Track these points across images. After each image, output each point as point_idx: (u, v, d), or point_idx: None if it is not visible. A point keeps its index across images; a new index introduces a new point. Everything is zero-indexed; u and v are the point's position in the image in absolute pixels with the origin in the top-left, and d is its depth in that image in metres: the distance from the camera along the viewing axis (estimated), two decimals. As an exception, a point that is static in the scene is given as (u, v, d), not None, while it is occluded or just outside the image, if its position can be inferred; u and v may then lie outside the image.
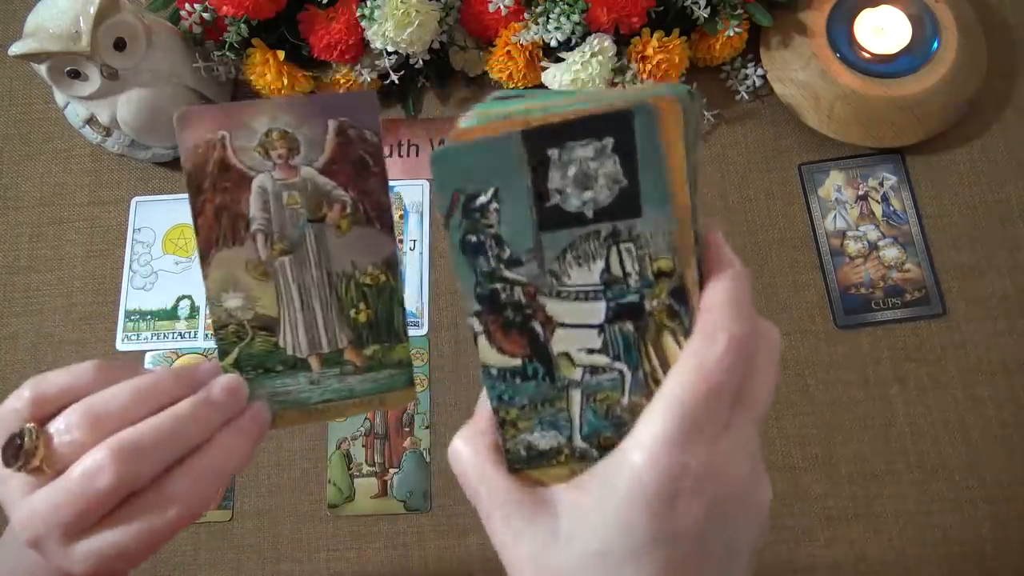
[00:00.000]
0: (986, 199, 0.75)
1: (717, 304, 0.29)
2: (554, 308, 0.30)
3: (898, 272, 0.73)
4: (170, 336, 0.73)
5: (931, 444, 0.68)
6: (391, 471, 0.69)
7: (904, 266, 0.73)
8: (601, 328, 0.30)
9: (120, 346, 0.73)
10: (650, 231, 0.29)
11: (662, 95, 0.27)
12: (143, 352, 0.73)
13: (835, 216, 0.75)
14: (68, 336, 0.74)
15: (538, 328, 0.30)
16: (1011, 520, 0.66)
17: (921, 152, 0.76)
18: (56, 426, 0.35)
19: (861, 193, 0.75)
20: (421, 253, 0.75)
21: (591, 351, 0.31)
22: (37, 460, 0.34)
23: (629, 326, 0.30)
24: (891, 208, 0.75)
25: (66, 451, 0.34)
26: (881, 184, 0.76)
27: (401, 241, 0.75)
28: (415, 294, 0.74)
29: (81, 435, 0.34)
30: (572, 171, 0.28)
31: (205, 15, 0.70)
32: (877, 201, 0.75)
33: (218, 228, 0.37)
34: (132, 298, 0.75)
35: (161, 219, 0.77)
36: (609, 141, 0.28)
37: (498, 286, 0.30)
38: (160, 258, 0.76)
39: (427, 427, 0.70)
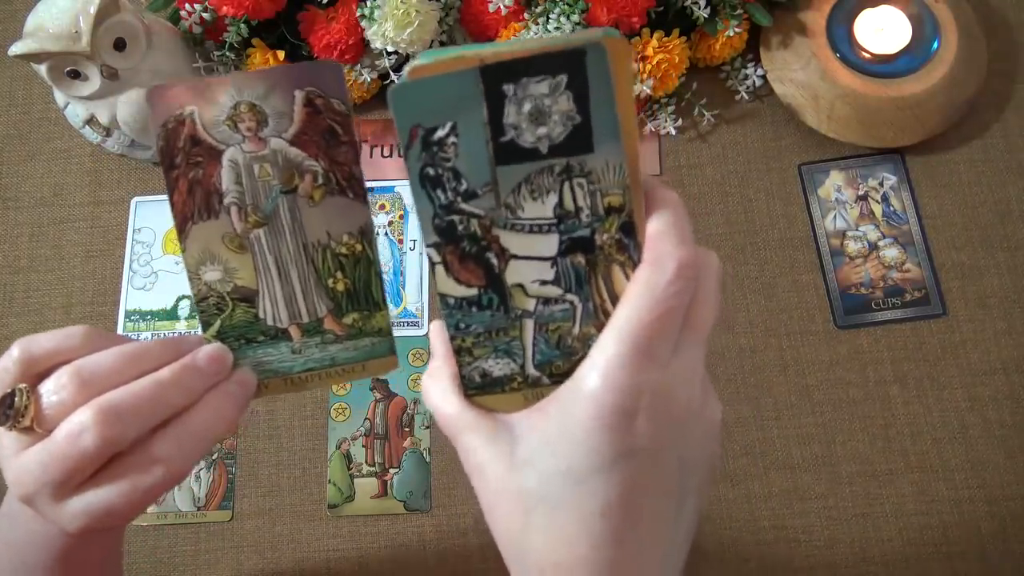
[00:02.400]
0: (986, 199, 0.75)
1: (662, 232, 0.30)
2: (509, 240, 0.31)
3: (898, 272, 0.73)
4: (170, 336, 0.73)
5: (931, 444, 0.68)
6: (391, 471, 0.69)
7: (904, 266, 0.73)
8: (554, 261, 0.32)
9: (120, 346, 0.73)
10: (601, 167, 0.30)
11: (610, 35, 0.29)
12: (143, 352, 0.73)
13: (835, 216, 0.75)
14: (68, 336, 0.74)
15: (493, 259, 0.32)
16: (1011, 520, 0.66)
17: (921, 152, 0.76)
18: (46, 387, 0.35)
19: (861, 193, 0.75)
20: (421, 253, 0.75)
21: (544, 283, 0.32)
22: (27, 420, 0.35)
23: (580, 259, 0.32)
24: (891, 208, 0.75)
25: (55, 411, 0.35)
26: (881, 184, 0.76)
27: (401, 241, 0.75)
28: (415, 294, 0.74)
29: (70, 396, 0.35)
30: (527, 107, 0.29)
31: (205, 15, 0.70)
32: (877, 201, 0.75)
33: (192, 202, 0.37)
34: (132, 298, 0.75)
35: (161, 219, 0.77)
36: (563, 78, 0.29)
37: (455, 218, 0.31)
38: (160, 258, 0.76)
39: (427, 427, 0.70)
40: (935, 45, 0.74)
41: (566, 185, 0.30)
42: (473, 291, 0.32)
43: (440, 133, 0.29)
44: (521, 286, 0.32)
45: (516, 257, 0.32)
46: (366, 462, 0.69)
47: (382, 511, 0.68)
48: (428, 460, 0.69)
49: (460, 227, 0.31)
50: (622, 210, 0.31)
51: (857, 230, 0.74)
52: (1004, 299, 0.72)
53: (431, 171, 0.30)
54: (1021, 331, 0.71)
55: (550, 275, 0.32)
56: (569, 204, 0.31)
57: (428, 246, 0.31)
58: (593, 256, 0.31)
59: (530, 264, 0.32)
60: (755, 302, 0.73)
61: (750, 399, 0.70)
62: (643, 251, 0.31)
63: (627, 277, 0.31)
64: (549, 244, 0.31)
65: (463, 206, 0.31)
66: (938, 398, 0.69)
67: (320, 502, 0.69)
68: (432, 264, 0.32)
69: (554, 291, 0.32)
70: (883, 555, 0.66)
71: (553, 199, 0.31)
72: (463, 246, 0.31)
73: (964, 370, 0.70)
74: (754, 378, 0.71)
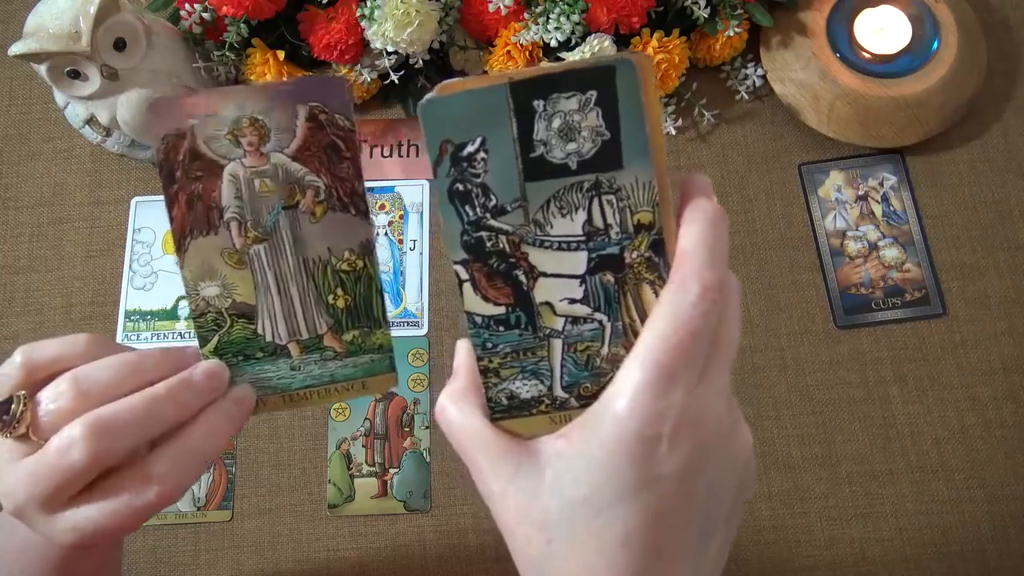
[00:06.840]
0: (986, 199, 0.75)
1: (690, 250, 0.30)
2: (537, 257, 0.31)
3: (898, 272, 0.73)
4: (170, 336, 0.73)
5: (931, 444, 0.68)
6: (391, 471, 0.69)
7: (904, 266, 0.73)
8: (583, 279, 0.31)
9: (120, 346, 0.73)
10: (631, 184, 0.30)
11: (637, 53, 0.29)
12: (143, 352, 0.73)
13: (835, 216, 0.75)
14: (68, 336, 0.74)
15: (521, 277, 0.31)
16: (1011, 520, 0.66)
17: (921, 152, 0.76)
18: (44, 394, 0.35)
19: (861, 193, 0.75)
20: (421, 253, 0.75)
21: (572, 301, 0.32)
22: (23, 427, 0.34)
23: (610, 277, 0.31)
24: (891, 208, 0.75)
25: (51, 420, 0.34)
26: (881, 184, 0.76)
27: (401, 241, 0.75)
28: (415, 294, 0.74)
29: (66, 405, 0.34)
30: (557, 123, 0.29)
31: (205, 15, 0.70)
32: (877, 201, 0.75)
33: (192, 217, 0.37)
34: (132, 298, 0.75)
35: (161, 219, 0.77)
36: (592, 94, 0.29)
37: (484, 234, 0.31)
38: (160, 258, 0.76)
39: (427, 427, 0.70)
40: (935, 45, 0.74)
41: (595, 202, 0.30)
42: (501, 309, 0.32)
43: (470, 148, 0.29)
44: (549, 304, 0.32)
45: (545, 275, 0.31)
46: (366, 462, 0.69)
47: (382, 511, 0.68)
48: (428, 460, 0.69)
49: (489, 244, 0.31)
50: (652, 228, 0.31)
51: (857, 230, 0.74)
52: (1004, 299, 0.72)
53: (460, 187, 0.30)
54: (1021, 331, 0.71)
55: (579, 293, 0.31)
56: (598, 221, 0.31)
57: (456, 263, 0.31)
58: (622, 274, 0.31)
59: (559, 282, 0.31)
60: (755, 302, 0.73)
61: (750, 399, 0.70)
62: (672, 267, 0.30)
63: (656, 296, 0.31)
64: (578, 262, 0.31)
65: (492, 222, 0.31)
66: (938, 398, 0.69)
67: (320, 502, 0.69)
68: (460, 282, 0.31)
69: (583, 310, 0.32)
70: (883, 555, 0.66)
71: (582, 216, 0.30)
72: (491, 263, 0.31)
73: (964, 370, 0.70)
74: (754, 378, 0.71)
